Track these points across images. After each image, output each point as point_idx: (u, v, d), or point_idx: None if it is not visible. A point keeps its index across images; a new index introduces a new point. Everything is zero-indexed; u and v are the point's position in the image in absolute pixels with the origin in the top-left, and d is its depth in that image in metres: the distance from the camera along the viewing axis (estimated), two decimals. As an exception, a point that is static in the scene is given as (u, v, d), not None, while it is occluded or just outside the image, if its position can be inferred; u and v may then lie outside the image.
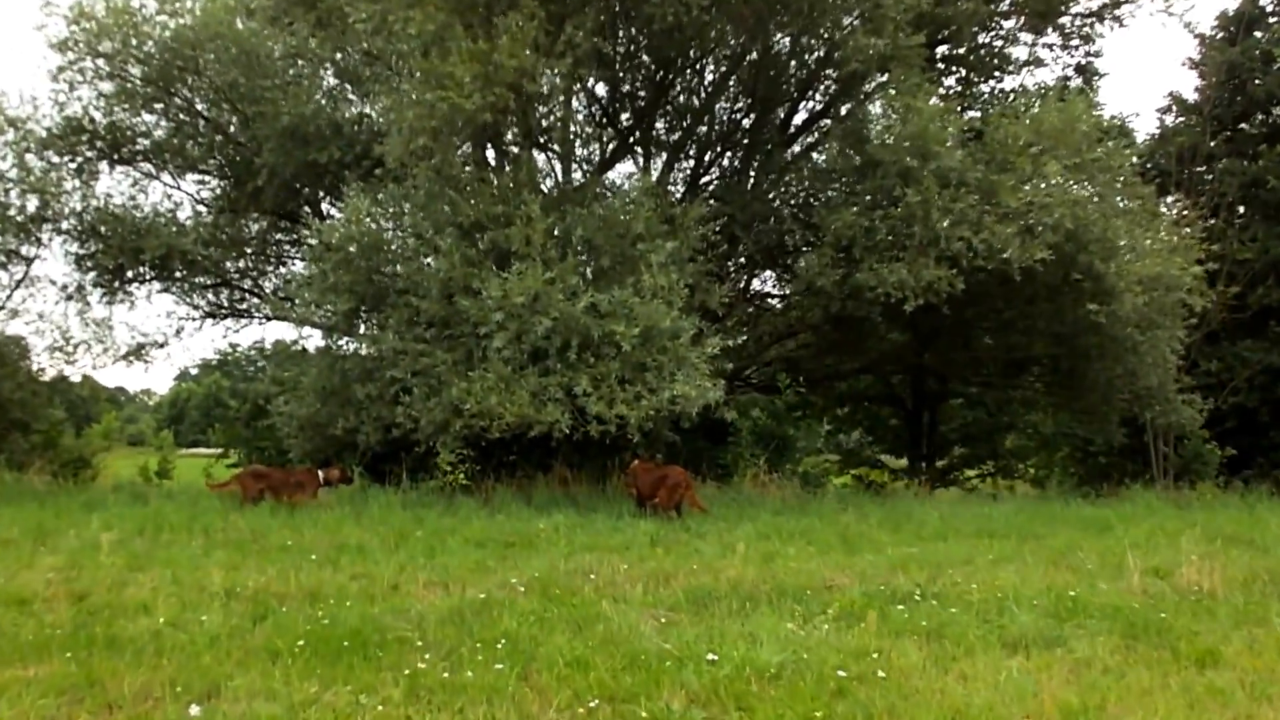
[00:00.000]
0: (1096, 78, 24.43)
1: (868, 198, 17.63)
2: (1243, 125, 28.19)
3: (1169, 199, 23.63)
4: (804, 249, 18.75)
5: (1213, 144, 26.92)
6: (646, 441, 16.14)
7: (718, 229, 17.46)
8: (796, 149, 21.88)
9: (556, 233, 15.40)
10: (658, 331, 14.46)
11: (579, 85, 19.39)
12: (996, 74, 23.49)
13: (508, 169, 16.97)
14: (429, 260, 16.00)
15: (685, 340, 14.67)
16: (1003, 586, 8.98)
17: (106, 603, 8.16)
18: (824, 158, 19.79)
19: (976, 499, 16.52)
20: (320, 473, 15.57)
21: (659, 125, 21.69)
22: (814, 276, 17.36)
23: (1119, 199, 18.45)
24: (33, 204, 20.68)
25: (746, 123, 21.45)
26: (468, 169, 16.83)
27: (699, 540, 11.98)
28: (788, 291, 21.19)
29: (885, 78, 18.79)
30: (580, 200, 17.03)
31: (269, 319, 24.32)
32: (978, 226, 16.32)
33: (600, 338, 14.28)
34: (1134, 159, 19.77)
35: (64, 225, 21.24)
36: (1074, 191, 16.96)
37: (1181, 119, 28.92)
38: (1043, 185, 16.63)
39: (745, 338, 17.17)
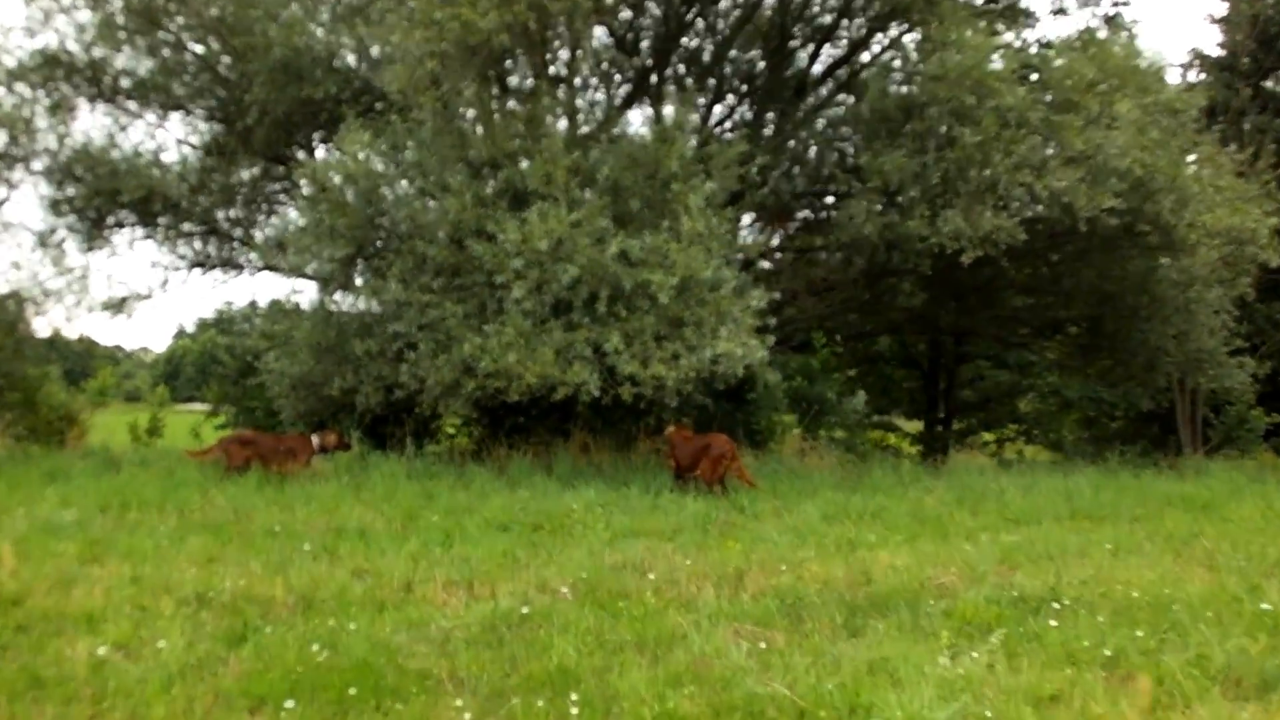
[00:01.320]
0: (1124, 31, 22.65)
1: (914, 141, 15.81)
2: (1268, 81, 26.84)
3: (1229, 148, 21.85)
4: (844, 195, 16.93)
5: (1241, 99, 25.53)
6: (676, 405, 14.47)
7: (757, 171, 15.69)
8: (826, 89, 20.06)
9: (579, 172, 13.61)
10: (696, 282, 12.74)
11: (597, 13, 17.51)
12: (1022, 23, 21.63)
13: (523, 103, 15.12)
14: (432, 202, 14.20)
15: (727, 292, 12.95)
16: (1145, 587, 7.33)
17: (45, 612, 6.44)
18: (865, 98, 17.86)
19: (1044, 471, 14.88)
20: (315, 438, 13.86)
21: (678, 68, 19.89)
22: (857, 225, 15.58)
23: (1185, 145, 16.67)
24: (0, 139, 18.84)
25: (764, 65, 19.64)
26: (479, 101, 14.96)
27: (757, 523, 10.33)
28: (818, 242, 19.37)
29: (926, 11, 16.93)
30: (600, 139, 15.29)
31: (260, 270, 22.51)
32: (1040, 171, 14.61)
33: (633, 289, 12.56)
34: (1203, 102, 18.06)
35: (36, 165, 19.43)
36: (1150, 133, 15.16)
37: (1205, 75, 27.85)
38: (1114, 127, 14.85)
39: (780, 293, 15.33)
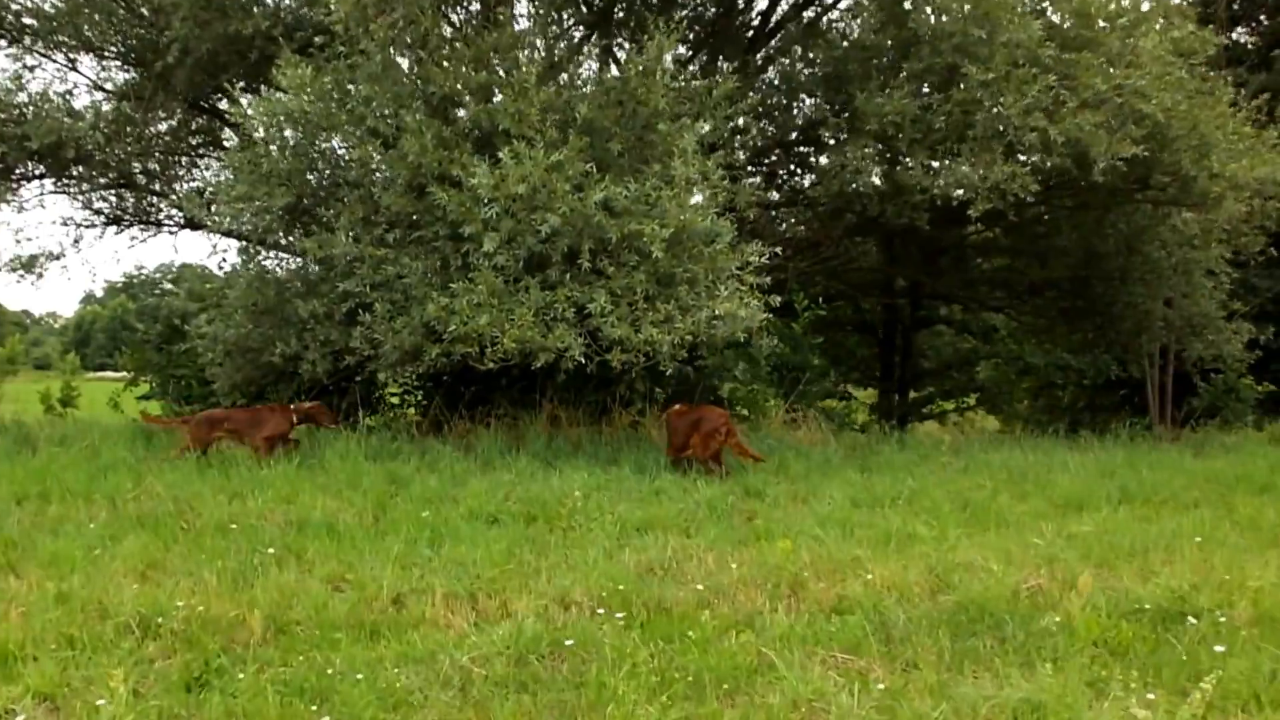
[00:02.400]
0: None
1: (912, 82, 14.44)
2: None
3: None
4: (833, 141, 15.58)
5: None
6: (649, 374, 13.10)
7: (748, 112, 14.29)
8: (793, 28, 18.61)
9: (553, 109, 12.11)
10: (691, 234, 11.36)
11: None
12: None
13: (484, 33, 13.52)
14: (376, 148, 12.56)
15: (723, 246, 11.58)
16: (1270, 591, 6.20)
17: (-62, 655, 4.99)
18: (857, 32, 16.42)
19: (1063, 448, 13.76)
20: (291, 409, 12.34)
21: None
22: (849, 175, 14.25)
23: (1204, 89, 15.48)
24: (-111, 80, 16.83)
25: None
26: (436, 30, 13.32)
27: (780, 510, 9.06)
28: (802, 194, 18.01)
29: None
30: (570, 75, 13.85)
31: (182, 228, 20.67)
32: (1054, 115, 13.37)
33: (619, 241, 11.14)
34: (1221, 42, 16.96)
35: (-75, 112, 17.45)
36: (1176, 73, 13.98)
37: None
38: (1135, 65, 13.62)
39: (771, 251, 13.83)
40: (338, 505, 8.66)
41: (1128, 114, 13.48)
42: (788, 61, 17.93)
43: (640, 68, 12.23)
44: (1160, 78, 13.72)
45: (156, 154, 19.77)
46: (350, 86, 12.80)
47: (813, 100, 16.27)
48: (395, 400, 16.99)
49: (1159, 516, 8.84)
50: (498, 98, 12.16)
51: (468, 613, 5.86)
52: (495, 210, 11.02)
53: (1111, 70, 13.60)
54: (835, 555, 7.15)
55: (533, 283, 11.16)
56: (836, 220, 16.53)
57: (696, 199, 11.48)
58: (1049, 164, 13.90)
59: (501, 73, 12.33)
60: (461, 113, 12.52)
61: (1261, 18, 25.19)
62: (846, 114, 15.09)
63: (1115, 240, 17.54)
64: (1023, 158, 13.84)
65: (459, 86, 12.35)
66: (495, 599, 6.09)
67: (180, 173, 20.67)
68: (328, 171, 13.26)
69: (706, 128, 11.87)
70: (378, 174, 12.62)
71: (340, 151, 13.37)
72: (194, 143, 20.28)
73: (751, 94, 15.73)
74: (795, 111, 16.94)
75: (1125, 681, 4.66)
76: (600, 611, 5.80)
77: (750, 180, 14.14)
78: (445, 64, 12.43)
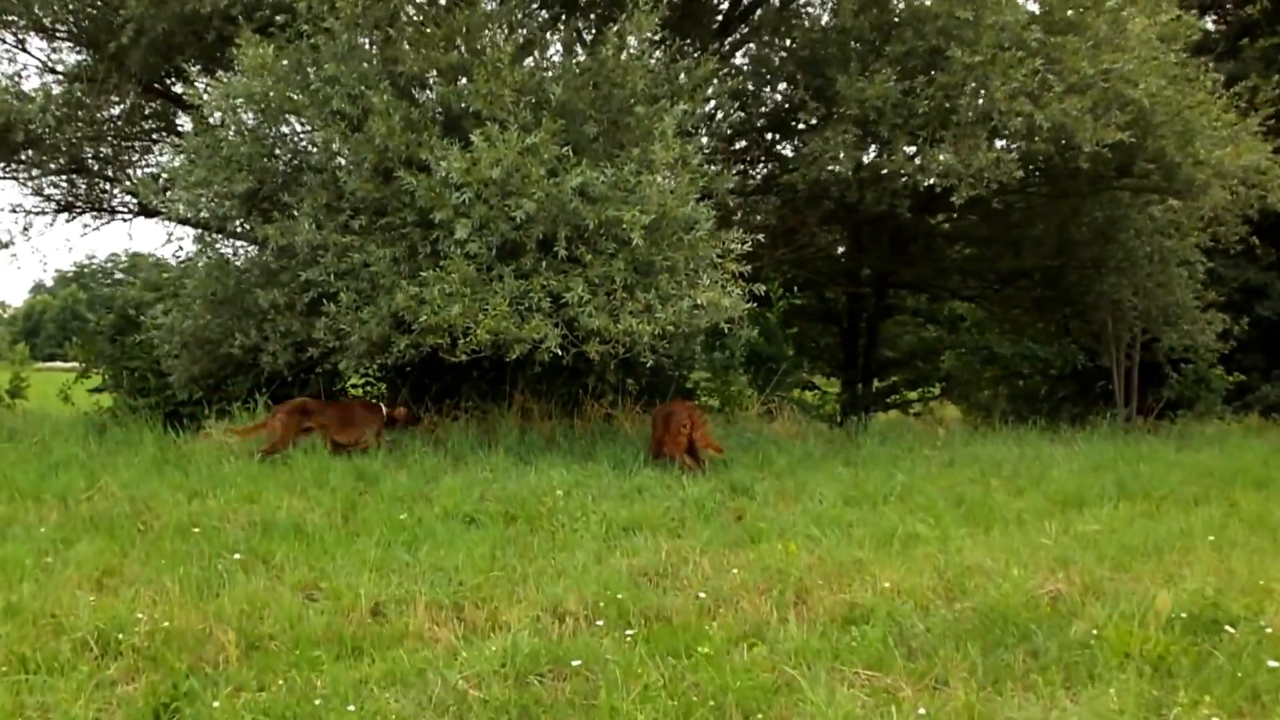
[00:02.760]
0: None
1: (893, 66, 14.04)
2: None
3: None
4: (811, 125, 15.16)
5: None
6: (623, 365, 12.68)
7: (725, 93, 13.87)
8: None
9: (525, 91, 11.62)
10: (670, 220, 10.94)
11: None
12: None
13: (459, 10, 12.98)
14: (341, 131, 12.02)
15: (703, 233, 11.16)
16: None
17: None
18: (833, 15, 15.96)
19: (1045, 440, 13.47)
20: (382, 408, 11.96)
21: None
22: (828, 160, 13.85)
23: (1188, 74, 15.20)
24: None
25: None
26: (403, 10, 12.78)
27: (768, 507, 8.68)
28: (778, 180, 17.53)
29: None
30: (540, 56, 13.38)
31: (135, 215, 19.97)
32: (1039, 100, 13.04)
33: (596, 228, 10.70)
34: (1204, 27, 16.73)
35: None
36: (1166, 57, 13.70)
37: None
38: (1123, 49, 13.31)
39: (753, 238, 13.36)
40: (304, 505, 8.19)
41: (1113, 99, 13.21)
42: (761, 44, 17.51)
43: (616, 48, 11.78)
44: (1146, 62, 13.45)
45: (109, 138, 19.04)
46: (313, 68, 12.25)
47: (788, 85, 15.79)
48: (358, 393, 16.47)
49: (1162, 514, 8.55)
50: (466, 80, 11.65)
51: (454, 625, 5.43)
52: (467, 196, 10.55)
53: (1098, 54, 13.30)
54: (836, 557, 6.78)
55: (506, 271, 10.70)
56: (813, 207, 16.11)
57: (673, 185, 11.04)
58: (1033, 150, 13.60)
59: (471, 53, 11.82)
60: (430, 94, 12.01)
61: (1229, 4, 25.01)
62: (825, 98, 14.68)
63: (1091, 229, 17.22)
64: (1000, 144, 13.55)
65: (428, 67, 11.85)
66: (483, 609, 5.66)
67: (134, 158, 19.92)
68: (289, 156, 12.72)
69: (684, 108, 11.45)
70: (342, 158, 12.08)
71: (303, 135, 12.82)
72: (148, 127, 19.53)
73: (726, 79, 15.36)
74: (768, 96, 16.50)
75: (1179, 702, 4.31)
76: (599, 623, 5.39)
77: (728, 167, 13.64)
78: (413, 44, 11.93)
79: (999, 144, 13.50)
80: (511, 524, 7.85)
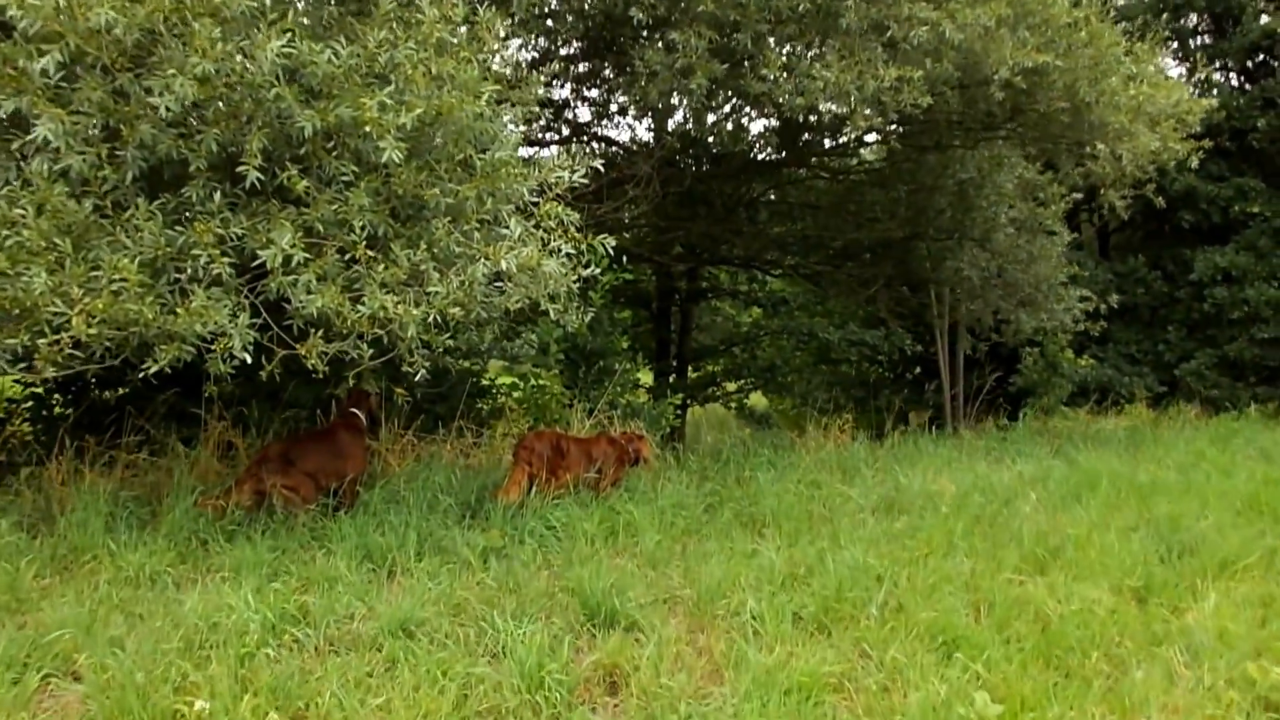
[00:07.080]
0: None
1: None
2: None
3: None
4: (648, 30, 10.65)
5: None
6: (387, 369, 8.04)
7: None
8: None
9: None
10: (449, 129, 6.33)
11: None
12: None
13: None
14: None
15: (507, 154, 6.59)
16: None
17: None
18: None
19: (1000, 443, 10.06)
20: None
21: None
22: (676, 77, 9.48)
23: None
24: None
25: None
26: None
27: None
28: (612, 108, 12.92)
29: None
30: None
31: None
32: (946, 5, 9.37)
33: (319, 137, 6.00)
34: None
35: None
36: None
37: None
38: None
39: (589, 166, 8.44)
40: None
41: (1022, 15, 10.06)
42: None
43: None
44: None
45: None
46: None
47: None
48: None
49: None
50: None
51: None
52: (62, 66, 5.61)
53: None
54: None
55: (143, 210, 5.77)
56: (648, 151, 11.69)
57: (453, 69, 6.39)
58: (936, 73, 9.82)
59: None
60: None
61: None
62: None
63: (949, 195, 14.43)
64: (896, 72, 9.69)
65: None
66: None
67: None
68: None
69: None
70: None
71: None
72: None
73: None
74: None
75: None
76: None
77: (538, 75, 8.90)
78: None
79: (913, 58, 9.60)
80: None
